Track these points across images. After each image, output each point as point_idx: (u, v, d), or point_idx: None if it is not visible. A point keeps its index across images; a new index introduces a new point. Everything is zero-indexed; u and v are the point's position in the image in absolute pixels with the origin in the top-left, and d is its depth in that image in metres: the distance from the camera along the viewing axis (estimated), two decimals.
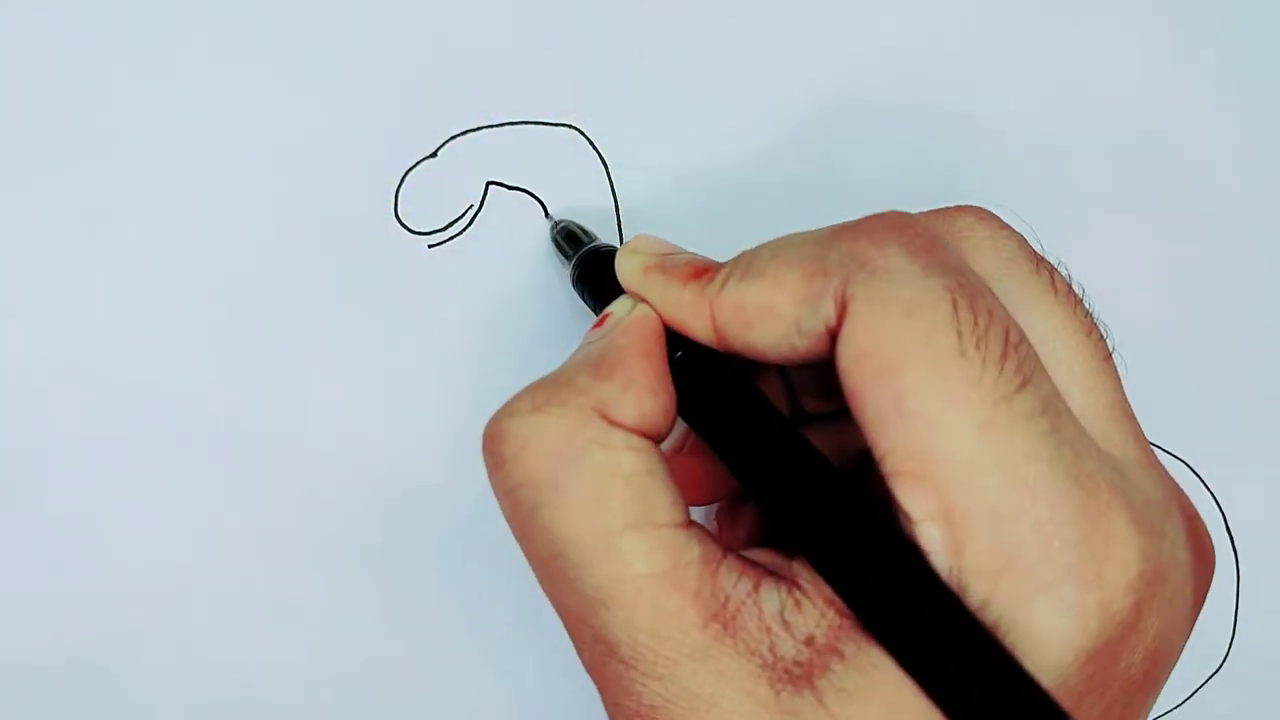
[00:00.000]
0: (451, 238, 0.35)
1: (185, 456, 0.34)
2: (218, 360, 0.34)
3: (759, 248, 0.26)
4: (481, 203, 0.35)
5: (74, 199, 0.34)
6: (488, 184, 0.35)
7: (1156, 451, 0.36)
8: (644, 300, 0.28)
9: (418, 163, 0.35)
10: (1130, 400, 0.36)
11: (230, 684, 0.35)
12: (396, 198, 0.35)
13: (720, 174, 0.35)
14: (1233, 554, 0.36)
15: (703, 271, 0.27)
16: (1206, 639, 0.36)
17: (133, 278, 0.34)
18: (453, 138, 0.35)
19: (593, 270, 0.32)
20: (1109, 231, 0.36)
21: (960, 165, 0.36)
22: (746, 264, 0.26)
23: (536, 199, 0.35)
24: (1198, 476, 0.36)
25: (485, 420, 0.35)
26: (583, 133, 0.35)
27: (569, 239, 0.34)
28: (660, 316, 0.27)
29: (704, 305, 0.26)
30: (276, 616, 0.35)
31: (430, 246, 0.35)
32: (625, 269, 0.29)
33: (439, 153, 0.35)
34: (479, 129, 0.35)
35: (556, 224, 0.35)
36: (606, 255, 0.31)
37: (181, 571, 0.34)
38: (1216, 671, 0.36)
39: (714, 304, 0.26)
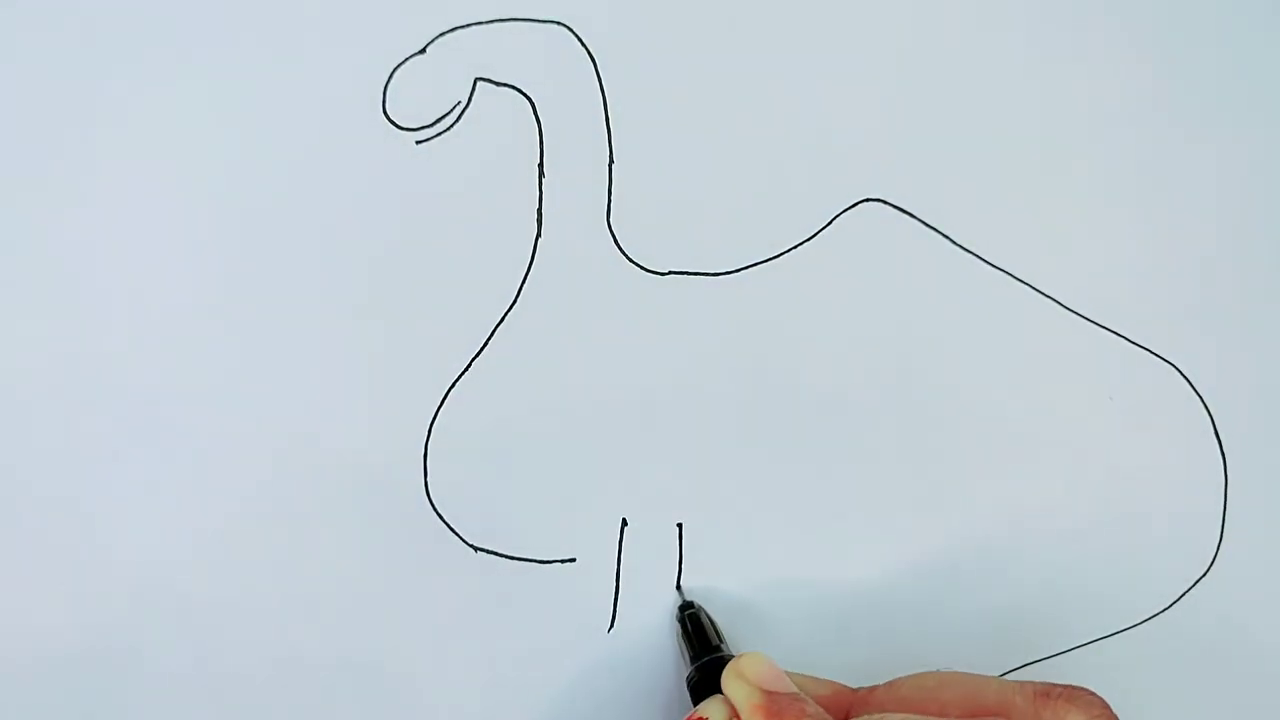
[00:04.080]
0: (439, 134, 0.35)
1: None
2: (199, 263, 0.34)
3: None
4: (469, 99, 0.35)
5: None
6: (476, 80, 0.35)
7: (1144, 354, 0.36)
8: None
9: (406, 59, 0.35)
10: (1116, 306, 0.36)
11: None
12: (385, 94, 0.35)
13: (712, 69, 0.35)
14: (1220, 458, 0.36)
15: None
16: (1194, 542, 0.36)
17: (125, 195, 0.34)
18: (441, 34, 0.35)
19: (710, 678, 0.33)
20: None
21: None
22: None
23: (525, 96, 0.35)
24: (1186, 379, 0.36)
25: (475, 327, 0.35)
26: (572, 30, 0.35)
27: (698, 633, 0.35)
28: None
29: None
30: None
31: (418, 143, 0.35)
32: (734, 695, 0.31)
33: (427, 49, 0.35)
34: (468, 25, 0.35)
35: (687, 607, 0.36)
36: (724, 664, 0.33)
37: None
38: (1204, 575, 0.36)
39: None
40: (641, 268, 0.36)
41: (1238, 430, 0.36)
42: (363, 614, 0.35)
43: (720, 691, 0.32)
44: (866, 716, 0.30)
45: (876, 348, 0.36)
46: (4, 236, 0.34)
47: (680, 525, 0.36)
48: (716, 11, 0.35)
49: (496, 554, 0.36)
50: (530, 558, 0.36)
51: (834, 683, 0.34)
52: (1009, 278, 0.36)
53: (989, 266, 0.36)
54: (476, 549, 0.36)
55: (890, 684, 0.33)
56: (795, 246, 0.36)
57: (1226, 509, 0.36)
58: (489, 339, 0.35)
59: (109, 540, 0.35)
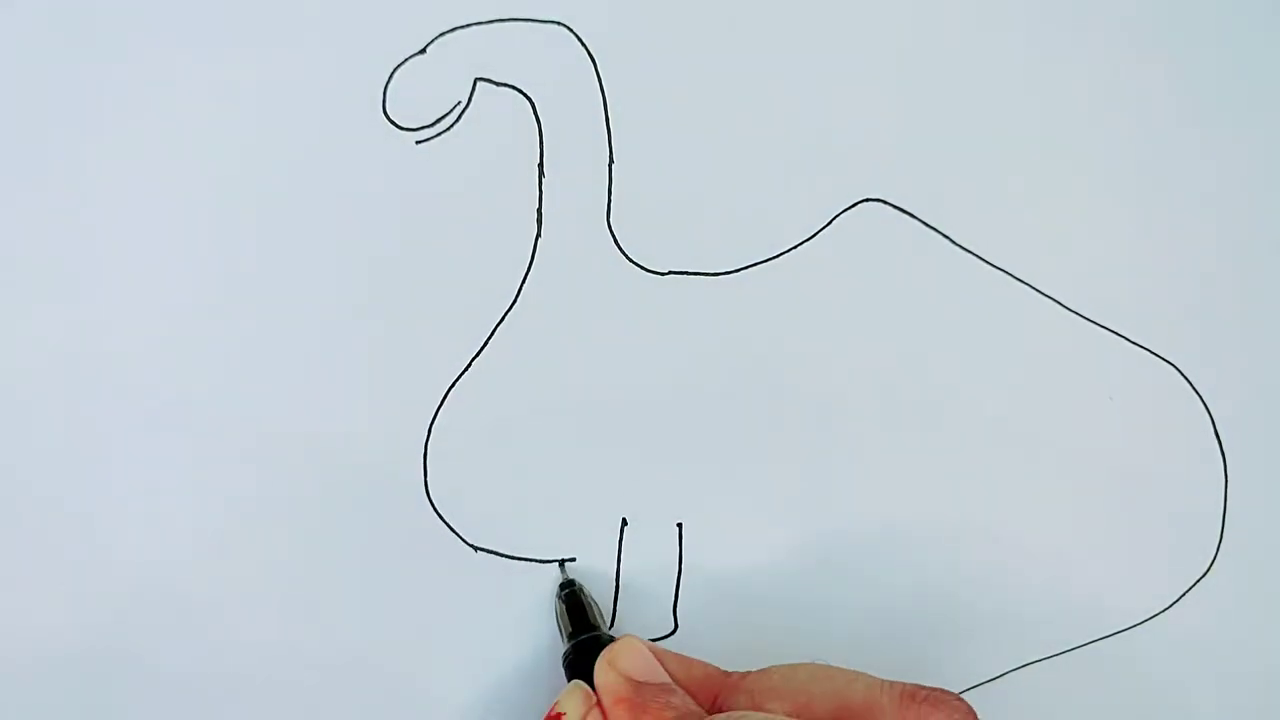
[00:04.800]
0: (439, 134, 0.35)
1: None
2: (199, 265, 0.34)
3: (750, 718, 0.29)
4: (469, 99, 0.35)
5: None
6: (476, 80, 0.35)
7: (1144, 354, 0.36)
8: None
9: (406, 59, 0.35)
10: (1116, 306, 0.36)
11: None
12: (385, 94, 0.35)
13: (712, 69, 0.35)
14: (1220, 457, 0.36)
15: None
16: (1194, 542, 0.36)
17: (125, 199, 0.34)
18: (441, 34, 0.35)
19: (585, 659, 0.33)
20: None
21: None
22: None
23: (525, 96, 0.35)
24: (1186, 379, 0.36)
25: (475, 327, 0.35)
26: (572, 30, 0.35)
27: (575, 611, 0.35)
28: None
29: None
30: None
31: (418, 143, 0.35)
32: (602, 682, 0.32)
33: (427, 49, 0.35)
34: (468, 25, 0.35)
35: (567, 585, 0.35)
36: (601, 645, 0.33)
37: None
38: (1204, 575, 0.36)
39: None
40: (641, 268, 0.36)
41: (1238, 430, 0.36)
42: (363, 614, 0.35)
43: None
44: (728, 714, 0.30)
45: (877, 348, 0.36)
46: (4, 236, 0.34)
47: (680, 525, 0.36)
48: (716, 11, 0.35)
49: (496, 554, 0.36)
50: (530, 558, 0.36)
51: (706, 665, 0.34)
52: (1009, 278, 0.36)
53: (989, 266, 0.36)
54: (476, 549, 0.36)
55: (763, 671, 0.32)
56: (795, 246, 0.36)
57: (1226, 509, 0.36)
58: (489, 339, 0.35)
59: (109, 540, 0.35)
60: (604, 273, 0.35)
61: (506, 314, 0.35)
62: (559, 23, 0.35)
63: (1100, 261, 0.36)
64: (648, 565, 0.36)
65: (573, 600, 0.35)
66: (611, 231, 0.35)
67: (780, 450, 0.36)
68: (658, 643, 0.36)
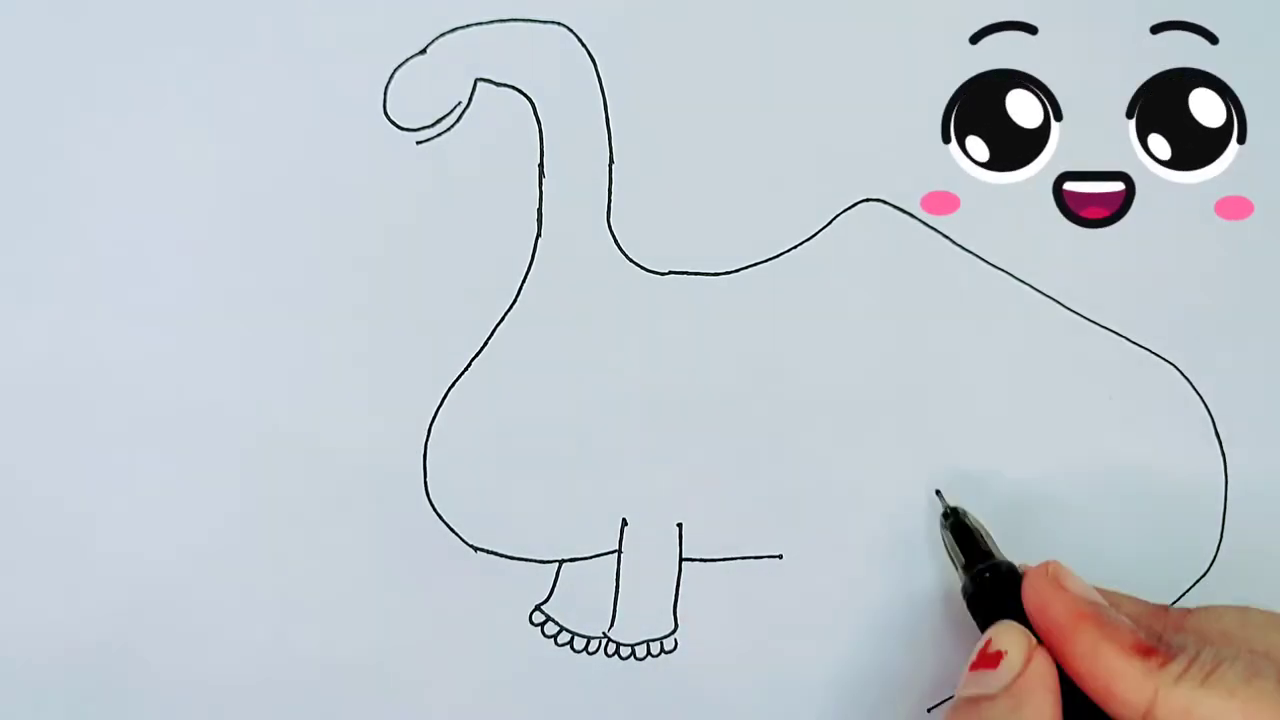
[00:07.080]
0: (439, 134, 0.35)
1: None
2: (202, 261, 0.34)
3: (1231, 655, 0.26)
4: (470, 100, 0.35)
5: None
6: (476, 80, 0.35)
7: (1142, 352, 0.36)
8: (1043, 641, 0.28)
9: (407, 60, 0.35)
10: (1116, 306, 0.36)
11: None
12: (385, 94, 0.35)
13: (712, 70, 0.35)
14: (1221, 458, 0.36)
15: (1150, 651, 0.26)
16: (1194, 542, 0.36)
17: (123, 194, 0.34)
18: (442, 34, 0.35)
19: (992, 590, 0.31)
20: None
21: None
22: (1211, 667, 0.25)
23: (525, 96, 0.35)
24: (1186, 379, 0.36)
25: (475, 327, 0.35)
26: (572, 30, 0.35)
27: (965, 540, 0.33)
28: (1063, 669, 0.27)
29: (1147, 689, 0.26)
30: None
31: (418, 143, 0.35)
32: (1050, 604, 0.28)
33: (428, 49, 0.35)
34: (468, 25, 0.35)
35: (951, 512, 0.34)
36: (1008, 576, 0.31)
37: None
38: (1204, 575, 0.36)
39: (1160, 694, 0.25)
40: (641, 268, 0.36)
41: (1238, 430, 0.36)
42: (363, 614, 0.35)
43: (1005, 602, 0.30)
44: (1215, 650, 0.27)
45: (876, 348, 0.36)
46: (5, 236, 0.34)
47: (680, 525, 0.36)
48: (716, 12, 0.35)
49: (496, 554, 0.36)
50: (530, 558, 0.36)
51: (1134, 599, 0.31)
52: (1009, 278, 0.36)
53: (989, 266, 0.36)
54: (476, 549, 0.36)
55: (1208, 610, 0.30)
56: (795, 246, 0.36)
57: (1227, 509, 0.36)
58: (489, 339, 0.35)
59: (109, 540, 0.35)
60: (604, 273, 0.35)
61: (506, 314, 0.35)
62: (559, 23, 0.35)
63: (1100, 262, 0.36)
64: (648, 565, 0.36)
65: (960, 529, 0.33)
66: (611, 231, 0.35)
67: (780, 450, 0.36)
68: (658, 642, 0.36)
